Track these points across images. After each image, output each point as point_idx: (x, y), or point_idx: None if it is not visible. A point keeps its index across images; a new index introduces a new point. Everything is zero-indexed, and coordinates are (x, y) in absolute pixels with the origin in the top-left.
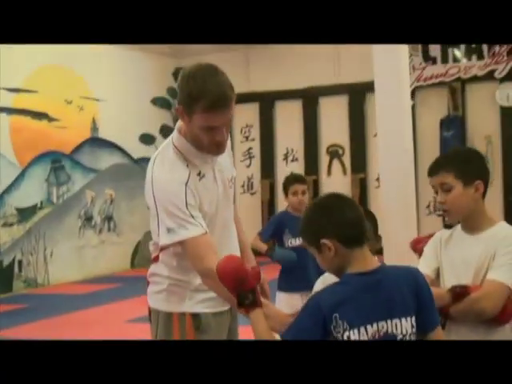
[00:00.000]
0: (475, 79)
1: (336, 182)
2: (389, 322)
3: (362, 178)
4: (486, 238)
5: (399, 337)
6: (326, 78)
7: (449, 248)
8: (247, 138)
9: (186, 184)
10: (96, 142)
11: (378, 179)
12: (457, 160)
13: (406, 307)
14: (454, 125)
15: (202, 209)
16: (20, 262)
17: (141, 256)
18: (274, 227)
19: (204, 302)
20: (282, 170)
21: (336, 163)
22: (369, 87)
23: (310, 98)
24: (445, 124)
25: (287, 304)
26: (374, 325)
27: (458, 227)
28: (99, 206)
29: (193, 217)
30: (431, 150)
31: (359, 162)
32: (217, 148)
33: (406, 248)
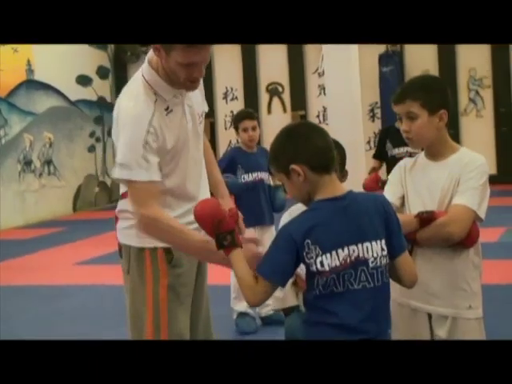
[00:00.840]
0: None
1: (276, 119)
2: (359, 245)
3: (303, 115)
4: (449, 164)
5: (370, 260)
6: None
7: (413, 175)
8: None
9: (150, 122)
10: (32, 84)
11: (318, 116)
12: (423, 89)
13: (376, 231)
14: (392, 60)
15: (166, 146)
16: None
17: (82, 199)
18: (226, 163)
19: None
20: (222, 109)
21: (276, 101)
22: None
23: None
24: (383, 59)
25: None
26: (345, 249)
27: (422, 154)
28: (38, 149)
29: (146, 160)
30: (370, 86)
31: (299, 100)
32: (192, 84)
33: (356, 183)
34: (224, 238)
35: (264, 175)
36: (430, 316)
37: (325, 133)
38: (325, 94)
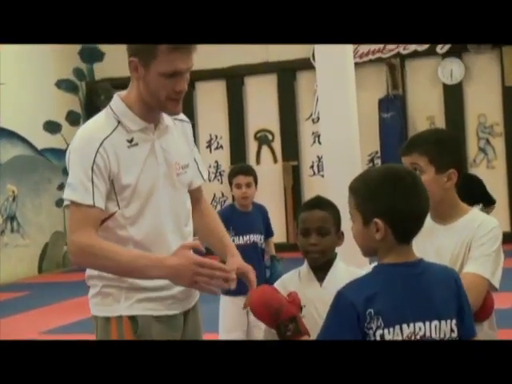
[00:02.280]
0: (415, 54)
1: (266, 170)
2: (427, 323)
3: (295, 166)
4: (459, 227)
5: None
6: (252, 56)
7: (419, 240)
8: None
9: (102, 144)
10: None
11: (312, 167)
12: (434, 143)
13: (448, 308)
14: (393, 105)
15: (120, 178)
16: None
17: (49, 260)
18: None
19: (141, 302)
20: (205, 159)
21: (265, 150)
22: (300, 65)
23: (234, 78)
24: (384, 104)
25: (233, 307)
26: (411, 325)
27: (428, 218)
28: (0, 203)
29: (92, 183)
30: (370, 134)
31: (291, 149)
32: (175, 102)
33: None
34: (286, 326)
35: (257, 238)
36: None
37: (425, 195)
38: (320, 142)
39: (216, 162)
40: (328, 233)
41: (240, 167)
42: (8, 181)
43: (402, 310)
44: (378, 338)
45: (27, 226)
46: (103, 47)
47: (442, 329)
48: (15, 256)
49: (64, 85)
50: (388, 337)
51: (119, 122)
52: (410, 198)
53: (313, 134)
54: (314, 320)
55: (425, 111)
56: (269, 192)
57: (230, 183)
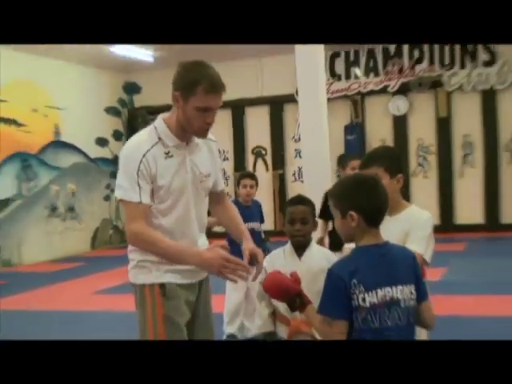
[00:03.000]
0: (372, 93)
1: (260, 176)
2: (394, 287)
3: (281, 174)
4: (402, 218)
5: (402, 302)
6: (251, 92)
7: None
8: None
9: (145, 154)
10: (58, 144)
11: (294, 174)
12: (386, 157)
13: (407, 277)
14: (355, 130)
15: (157, 181)
16: None
17: (99, 239)
18: None
19: (167, 273)
20: None
21: (260, 161)
22: (287, 99)
23: (238, 108)
24: (348, 129)
25: (236, 288)
26: (383, 289)
27: None
28: (63, 198)
29: (138, 185)
30: (337, 151)
31: (279, 161)
32: (205, 130)
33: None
34: (294, 301)
35: (255, 225)
36: None
37: (384, 192)
38: (300, 156)
39: (223, 169)
40: (308, 222)
41: (247, 173)
42: (68, 181)
43: (376, 279)
44: (360, 301)
45: (83, 215)
46: (141, 83)
47: (405, 291)
48: (74, 237)
49: (111, 111)
50: (368, 299)
51: (160, 139)
52: (373, 195)
53: (295, 150)
54: None
55: (378, 135)
56: (262, 192)
57: (238, 184)
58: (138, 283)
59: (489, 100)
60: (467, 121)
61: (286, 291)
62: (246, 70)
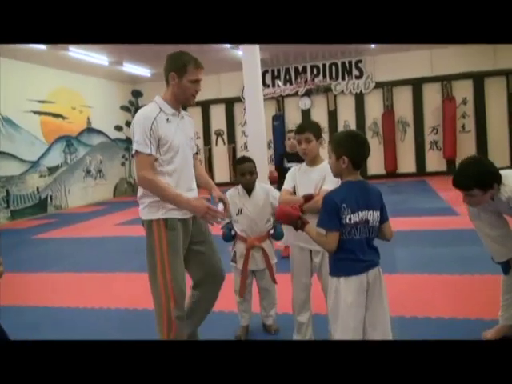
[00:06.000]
0: (288, 95)
1: (220, 149)
2: (368, 211)
3: (233, 147)
4: (319, 169)
5: (370, 222)
6: (214, 95)
7: (300, 174)
8: None
9: (155, 118)
10: (90, 130)
11: (241, 146)
12: (314, 127)
13: (376, 204)
14: (278, 119)
15: (163, 139)
16: (51, 197)
17: (118, 191)
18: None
19: (170, 210)
20: None
21: (219, 139)
22: (236, 100)
23: (205, 105)
24: (274, 118)
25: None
26: (362, 212)
27: (304, 164)
28: (94, 164)
29: (149, 140)
30: (268, 133)
31: (232, 138)
32: (193, 97)
33: (262, 180)
34: (296, 223)
35: None
36: (310, 251)
37: (368, 146)
38: (246, 135)
39: (197, 145)
40: (254, 173)
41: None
42: (98, 153)
43: (358, 204)
44: (347, 220)
45: (107, 175)
46: (142, 90)
47: (374, 215)
48: (101, 189)
49: (124, 108)
50: (353, 218)
51: (161, 109)
52: (362, 147)
53: (241, 131)
54: (248, 214)
55: (293, 122)
56: (221, 158)
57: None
58: (147, 219)
59: (359, 99)
60: (346, 112)
61: (290, 217)
62: (209, 82)
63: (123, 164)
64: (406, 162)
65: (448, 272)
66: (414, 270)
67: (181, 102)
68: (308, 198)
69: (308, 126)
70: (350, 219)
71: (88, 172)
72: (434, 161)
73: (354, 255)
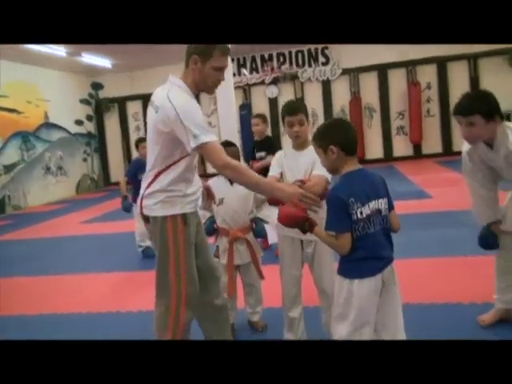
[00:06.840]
0: (255, 84)
1: None
2: (377, 200)
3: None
4: (307, 152)
5: (383, 211)
6: None
7: (287, 159)
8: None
9: (195, 105)
10: (48, 125)
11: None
12: (305, 108)
13: (383, 192)
14: (245, 108)
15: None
16: (9, 196)
17: (81, 187)
18: None
19: (187, 204)
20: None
21: None
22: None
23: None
24: (241, 107)
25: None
26: (372, 202)
27: (290, 147)
28: (54, 160)
29: (207, 128)
30: (236, 120)
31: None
32: (215, 87)
33: None
34: (304, 225)
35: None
36: (301, 241)
37: (354, 128)
38: (212, 126)
39: None
40: (238, 159)
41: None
42: (58, 149)
43: (366, 195)
44: (359, 214)
45: (68, 172)
46: (103, 82)
47: (383, 203)
48: (62, 186)
49: (84, 101)
50: (364, 211)
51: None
52: (345, 130)
53: (209, 123)
54: (230, 204)
55: (259, 110)
56: None
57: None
58: (161, 215)
59: (326, 86)
60: (314, 99)
61: (297, 219)
62: (171, 72)
63: (85, 160)
64: (374, 148)
65: (431, 255)
66: (397, 254)
67: (200, 89)
68: (299, 185)
69: (300, 106)
70: (361, 213)
71: (48, 169)
72: (401, 146)
73: (371, 252)
